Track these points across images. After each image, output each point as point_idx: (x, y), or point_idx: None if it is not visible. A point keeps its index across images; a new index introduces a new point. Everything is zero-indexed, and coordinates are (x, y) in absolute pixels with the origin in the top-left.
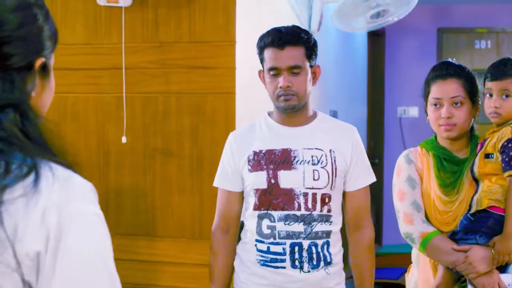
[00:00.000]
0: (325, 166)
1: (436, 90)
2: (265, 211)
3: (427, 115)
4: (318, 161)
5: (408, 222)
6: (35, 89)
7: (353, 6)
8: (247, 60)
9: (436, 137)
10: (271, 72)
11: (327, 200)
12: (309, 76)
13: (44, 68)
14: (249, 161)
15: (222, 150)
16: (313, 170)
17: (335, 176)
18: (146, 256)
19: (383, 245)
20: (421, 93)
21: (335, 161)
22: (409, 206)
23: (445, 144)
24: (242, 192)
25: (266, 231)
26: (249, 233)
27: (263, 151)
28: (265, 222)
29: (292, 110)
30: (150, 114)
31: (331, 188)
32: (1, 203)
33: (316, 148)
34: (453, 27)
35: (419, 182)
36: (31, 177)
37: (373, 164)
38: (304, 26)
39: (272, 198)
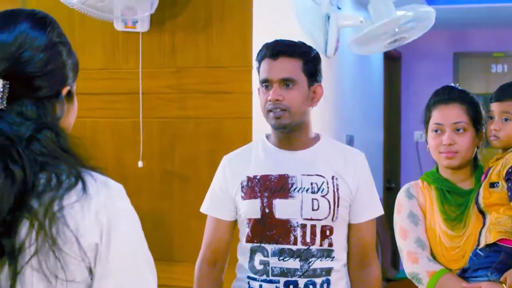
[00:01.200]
0: (326, 194)
1: (437, 115)
2: (258, 244)
3: (427, 143)
4: (319, 189)
5: (413, 261)
6: (60, 113)
7: (373, 35)
8: None
9: (437, 168)
10: (263, 85)
11: (328, 232)
12: (306, 92)
13: (69, 94)
14: (242, 187)
15: None
16: (312, 199)
17: (338, 206)
18: (165, 281)
19: (400, 270)
20: (421, 118)
21: (337, 189)
22: (413, 244)
23: (447, 175)
24: (233, 222)
25: (259, 266)
26: (242, 269)
27: (258, 177)
28: (258, 257)
29: (285, 130)
30: (167, 139)
31: (332, 219)
32: (63, 208)
33: (316, 175)
34: (469, 51)
35: (422, 218)
36: (80, 184)
37: (389, 189)
38: (320, 50)
39: (266, 230)
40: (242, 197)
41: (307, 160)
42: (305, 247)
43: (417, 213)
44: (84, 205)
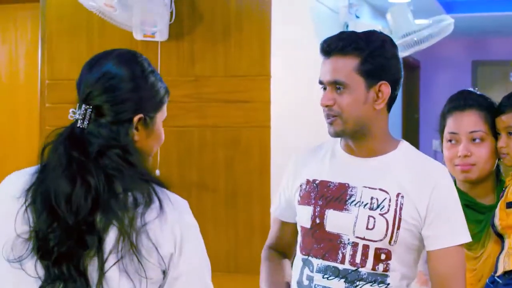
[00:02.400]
0: (385, 213)
1: (452, 123)
2: (306, 257)
3: (442, 153)
4: (378, 206)
5: (422, 283)
6: (136, 136)
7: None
8: (282, 93)
9: (456, 181)
10: (320, 86)
11: (383, 256)
12: (362, 96)
13: (145, 121)
14: (300, 190)
15: (257, 183)
16: (369, 216)
17: (398, 229)
18: None
19: None
20: (436, 127)
21: (401, 208)
22: (425, 264)
23: (466, 189)
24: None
25: (305, 282)
26: (292, 281)
27: (317, 182)
28: (306, 271)
29: (342, 137)
30: (185, 148)
31: (390, 242)
32: (146, 224)
33: (380, 189)
34: (487, 59)
35: None
36: (157, 202)
37: None
38: None
39: (314, 242)
40: (298, 201)
41: (373, 171)
42: (353, 268)
43: None
44: (162, 220)
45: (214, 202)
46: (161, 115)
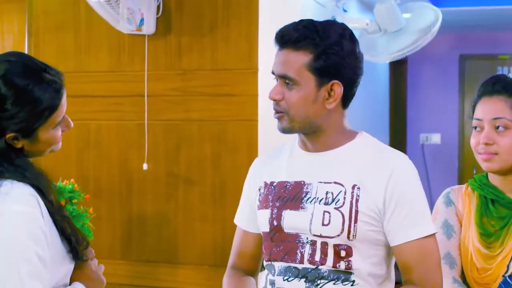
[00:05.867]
0: (340, 207)
1: (478, 109)
2: (269, 262)
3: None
4: (333, 200)
5: None
6: (18, 144)
7: (376, 45)
8: (269, 87)
9: (488, 174)
10: (273, 77)
11: (343, 253)
12: (311, 94)
13: (23, 135)
14: (259, 194)
15: (244, 177)
16: (324, 212)
17: (355, 222)
18: (168, 283)
19: None
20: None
21: (357, 200)
22: (441, 260)
23: (496, 182)
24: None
25: (268, 287)
26: None
27: (275, 183)
28: (269, 276)
29: (290, 133)
30: (172, 141)
31: (348, 237)
32: None
33: (334, 182)
34: (475, 53)
35: (458, 230)
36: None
37: None
38: None
39: (273, 245)
40: (258, 206)
41: (328, 165)
42: (313, 267)
43: (452, 223)
44: None
45: (201, 196)
46: (48, 125)
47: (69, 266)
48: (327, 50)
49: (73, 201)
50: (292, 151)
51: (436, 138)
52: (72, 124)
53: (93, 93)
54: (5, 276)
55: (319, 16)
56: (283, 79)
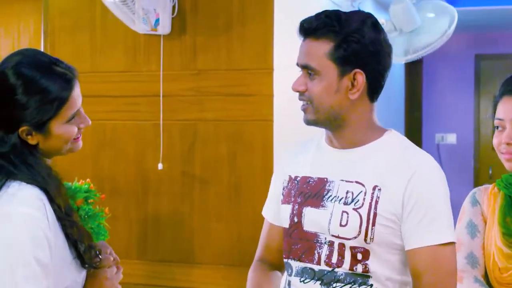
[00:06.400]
0: (359, 208)
1: (500, 108)
2: (286, 259)
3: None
4: (352, 200)
5: (457, 280)
6: (32, 140)
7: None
8: (284, 87)
9: None
10: (298, 69)
11: (360, 256)
12: (333, 84)
13: (37, 129)
14: (283, 188)
15: (259, 177)
16: (342, 212)
17: (373, 225)
18: (184, 283)
19: None
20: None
21: (376, 202)
22: (463, 260)
23: None
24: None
25: (286, 287)
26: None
27: (298, 178)
28: (286, 276)
29: (315, 126)
30: (188, 141)
31: (365, 240)
32: None
33: (356, 182)
34: (490, 53)
35: (482, 230)
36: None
37: None
38: None
39: (292, 242)
40: (281, 200)
41: (352, 163)
42: (329, 269)
43: (477, 223)
44: None
45: (217, 196)
46: (60, 118)
47: (78, 273)
48: (347, 38)
49: (89, 200)
50: (319, 146)
51: (451, 138)
52: (89, 121)
53: (109, 93)
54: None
55: None
56: (306, 69)
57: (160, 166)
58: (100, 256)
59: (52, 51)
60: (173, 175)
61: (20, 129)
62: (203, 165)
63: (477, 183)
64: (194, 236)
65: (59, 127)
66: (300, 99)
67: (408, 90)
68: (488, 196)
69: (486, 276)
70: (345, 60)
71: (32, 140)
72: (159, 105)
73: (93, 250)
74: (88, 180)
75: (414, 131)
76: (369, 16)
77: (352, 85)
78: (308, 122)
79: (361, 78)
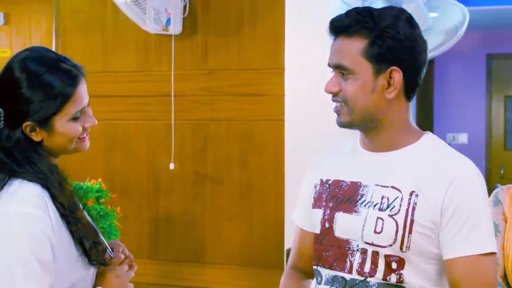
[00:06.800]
0: (395, 214)
1: None
2: (316, 266)
3: None
4: (388, 206)
5: None
6: (36, 137)
7: None
8: (296, 87)
9: None
10: (330, 70)
11: (395, 265)
12: (369, 83)
13: (40, 125)
14: (314, 192)
15: (271, 176)
16: (377, 218)
17: (410, 233)
18: (195, 283)
19: None
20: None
21: (414, 209)
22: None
23: None
24: None
25: None
26: None
27: (330, 181)
28: (315, 284)
29: (350, 128)
30: (199, 141)
31: (401, 248)
32: None
33: (391, 187)
34: (502, 52)
35: (503, 230)
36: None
37: None
38: None
39: (323, 249)
40: (312, 204)
41: (388, 167)
42: (361, 278)
43: (498, 223)
44: None
45: (228, 196)
46: (64, 115)
47: (86, 269)
48: (382, 34)
49: (101, 200)
50: (353, 148)
51: (463, 138)
52: (95, 121)
53: (120, 93)
54: None
55: None
56: (338, 69)
57: (171, 166)
58: (111, 254)
59: (64, 51)
60: (185, 175)
61: (24, 124)
62: (214, 164)
63: (488, 183)
64: (205, 236)
65: (62, 124)
66: (333, 101)
67: (419, 90)
68: (510, 196)
69: (505, 277)
70: (381, 58)
71: (36, 137)
72: (171, 105)
73: (100, 247)
74: (99, 180)
75: (425, 131)
76: (403, 11)
77: (389, 83)
78: (342, 125)
79: (398, 75)
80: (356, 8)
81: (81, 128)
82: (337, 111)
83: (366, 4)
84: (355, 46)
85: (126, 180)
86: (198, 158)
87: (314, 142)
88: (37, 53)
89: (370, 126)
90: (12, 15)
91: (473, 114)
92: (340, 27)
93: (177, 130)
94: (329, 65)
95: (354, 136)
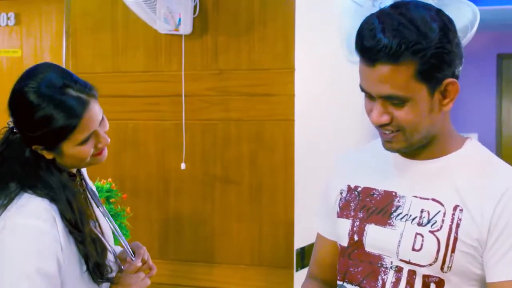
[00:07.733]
0: (436, 230)
1: None
2: (342, 283)
3: None
4: (429, 221)
5: None
6: (48, 155)
7: None
8: (306, 87)
9: None
10: (363, 92)
11: (433, 287)
12: (427, 103)
13: (48, 149)
14: (340, 199)
15: (281, 177)
16: (416, 234)
17: (452, 251)
18: (206, 282)
19: None
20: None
21: (458, 225)
22: None
23: None
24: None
25: None
26: None
27: (359, 189)
28: None
29: (404, 152)
30: (210, 141)
31: (442, 268)
32: None
33: (432, 199)
34: None
35: None
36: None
37: None
38: None
39: (351, 264)
40: (337, 212)
41: (428, 177)
42: None
43: None
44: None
45: (238, 196)
46: (72, 142)
47: (94, 285)
48: (435, 51)
49: (111, 200)
50: (385, 153)
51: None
52: (108, 139)
53: (130, 93)
54: None
55: (356, 15)
56: (389, 100)
57: (183, 166)
58: (132, 257)
59: (74, 51)
60: (194, 175)
61: (33, 147)
62: (224, 165)
63: None
64: (215, 236)
65: (70, 149)
66: (384, 129)
67: None
68: None
69: None
70: (434, 75)
71: (48, 155)
72: (181, 105)
73: (102, 268)
74: (109, 179)
75: None
76: (439, 11)
77: (443, 96)
78: (398, 151)
79: (454, 86)
80: (392, 24)
81: (92, 150)
82: (390, 139)
83: (377, 4)
84: (406, 71)
85: (136, 180)
86: (208, 158)
87: (325, 143)
88: (42, 79)
89: (415, 145)
90: (22, 16)
91: (484, 114)
92: (384, 53)
93: (188, 130)
94: (364, 91)
95: (380, 140)
